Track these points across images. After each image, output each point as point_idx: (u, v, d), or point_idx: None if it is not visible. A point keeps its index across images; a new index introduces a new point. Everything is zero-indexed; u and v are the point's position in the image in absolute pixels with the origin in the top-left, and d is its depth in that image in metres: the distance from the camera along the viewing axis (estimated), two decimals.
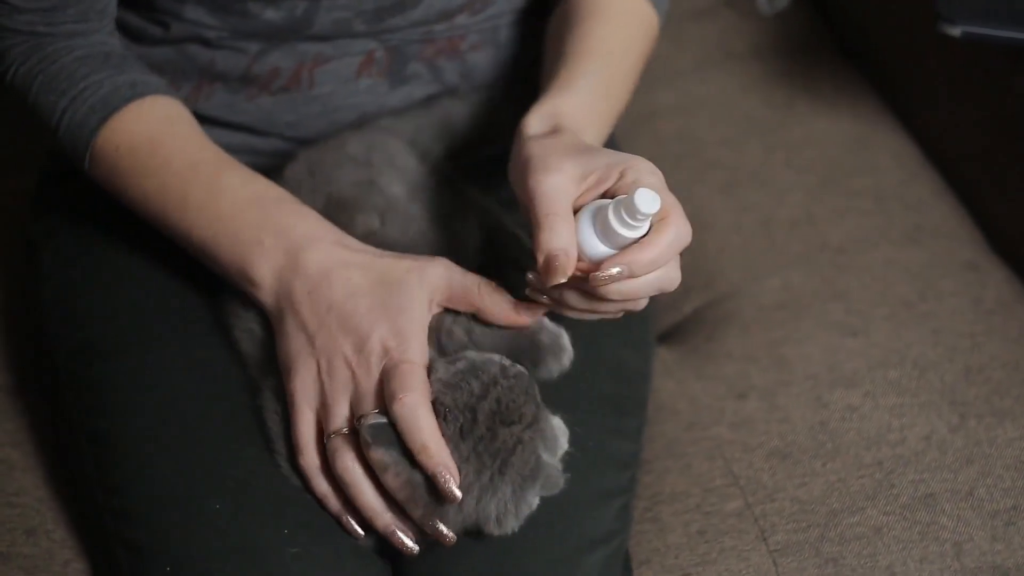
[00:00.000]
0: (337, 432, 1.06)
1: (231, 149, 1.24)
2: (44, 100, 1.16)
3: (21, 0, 1.14)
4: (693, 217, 1.46)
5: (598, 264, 1.01)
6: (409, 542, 1.06)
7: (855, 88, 1.61)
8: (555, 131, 1.10)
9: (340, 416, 1.07)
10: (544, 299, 1.06)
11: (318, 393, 1.08)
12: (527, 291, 1.07)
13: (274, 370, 1.12)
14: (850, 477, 1.25)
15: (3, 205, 1.48)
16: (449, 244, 1.17)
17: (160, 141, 1.16)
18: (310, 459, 1.08)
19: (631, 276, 1.00)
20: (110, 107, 1.15)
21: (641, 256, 1.00)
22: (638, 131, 1.57)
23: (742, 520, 1.23)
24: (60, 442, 1.26)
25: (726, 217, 1.48)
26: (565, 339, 1.10)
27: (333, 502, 1.08)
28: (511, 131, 1.13)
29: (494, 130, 1.28)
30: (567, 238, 1.01)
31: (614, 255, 1.00)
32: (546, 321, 1.10)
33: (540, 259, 1.01)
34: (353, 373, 1.06)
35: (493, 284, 1.08)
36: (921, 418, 1.28)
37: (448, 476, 1.01)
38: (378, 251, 1.11)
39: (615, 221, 0.99)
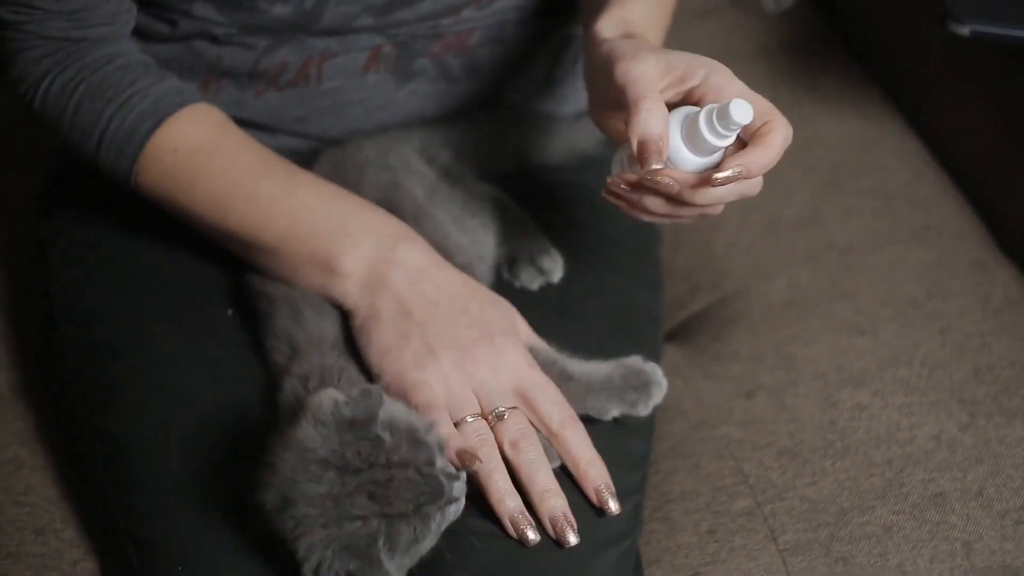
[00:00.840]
0: (474, 416, 1.08)
1: None
2: (87, 109, 1.15)
3: (51, 3, 1.13)
4: (700, 217, 1.48)
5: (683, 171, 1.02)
6: (531, 533, 1.06)
7: (862, 88, 1.60)
8: (627, 36, 1.11)
9: (470, 404, 1.09)
10: (622, 203, 1.07)
11: (437, 382, 1.09)
12: (603, 193, 1.08)
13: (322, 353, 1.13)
14: (860, 476, 1.24)
15: (10, 204, 1.48)
16: (471, 244, 1.17)
17: (220, 143, 1.16)
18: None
19: (747, 176, 1.01)
20: (162, 112, 1.15)
21: (759, 158, 1.01)
22: None
23: (752, 519, 1.23)
24: (69, 441, 1.26)
25: (733, 216, 1.47)
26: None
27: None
28: (518, 152, 1.15)
29: (501, 149, 1.29)
30: (662, 122, 1.01)
31: (733, 156, 1.01)
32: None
33: (634, 143, 1.01)
34: (477, 367, 1.09)
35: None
36: (930, 417, 1.28)
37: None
38: None
39: (706, 129, 1.00)
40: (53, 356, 1.27)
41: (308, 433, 1.01)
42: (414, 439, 1.02)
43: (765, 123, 1.03)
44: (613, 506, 1.09)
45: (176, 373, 1.16)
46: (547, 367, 1.12)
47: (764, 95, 1.58)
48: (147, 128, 1.15)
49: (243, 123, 1.24)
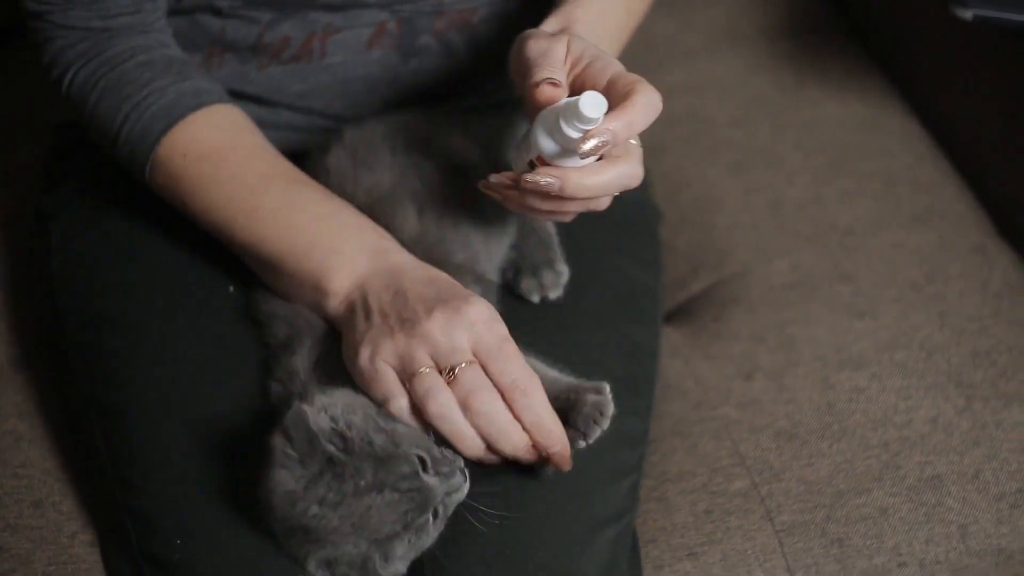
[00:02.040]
0: (428, 369, 1.05)
1: None
2: (107, 104, 1.16)
3: None
4: (702, 197, 1.49)
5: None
6: (495, 458, 1.06)
7: (865, 71, 1.60)
8: (563, 32, 1.13)
9: (422, 361, 1.05)
10: (500, 198, 1.08)
11: (391, 356, 1.06)
12: (481, 185, 1.09)
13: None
14: (856, 458, 1.25)
15: (12, 178, 1.48)
16: (481, 240, 1.17)
17: (228, 151, 1.16)
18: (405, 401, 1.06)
19: (615, 143, 1.02)
20: (175, 114, 1.15)
21: (619, 121, 1.02)
22: None
23: (748, 500, 1.23)
24: (68, 414, 1.26)
25: (735, 197, 1.48)
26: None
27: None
28: None
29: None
30: (559, 73, 1.04)
31: (600, 124, 1.01)
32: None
33: (533, 86, 1.04)
34: (428, 329, 1.06)
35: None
36: (928, 400, 1.28)
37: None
38: None
39: (564, 125, 1.01)
40: (53, 330, 1.27)
41: (281, 477, 1.01)
42: (381, 457, 1.01)
43: (628, 89, 1.03)
44: (564, 464, 1.05)
45: (177, 348, 1.17)
46: None
47: (768, 78, 1.61)
48: (159, 130, 1.15)
49: (245, 97, 1.24)
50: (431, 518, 1.02)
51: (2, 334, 1.36)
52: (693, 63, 1.63)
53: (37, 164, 1.38)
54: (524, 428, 1.05)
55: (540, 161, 1.04)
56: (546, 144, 1.03)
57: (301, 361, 1.11)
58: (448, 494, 1.03)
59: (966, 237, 1.43)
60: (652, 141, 1.51)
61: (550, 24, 1.15)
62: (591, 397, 1.07)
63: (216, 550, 1.07)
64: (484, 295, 1.10)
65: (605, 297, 1.23)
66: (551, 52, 1.07)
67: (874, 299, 1.37)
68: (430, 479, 1.02)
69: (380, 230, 1.14)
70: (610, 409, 1.07)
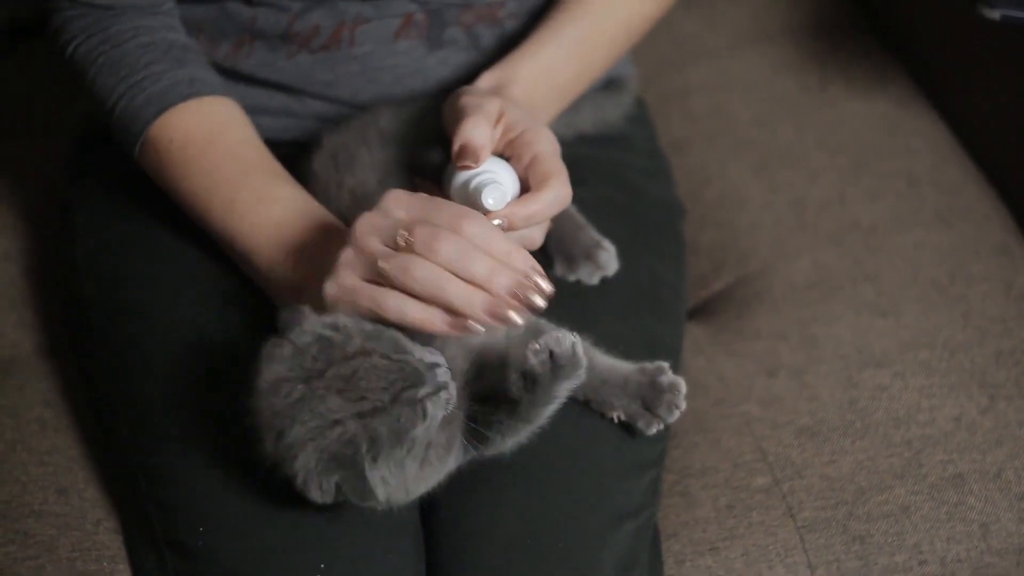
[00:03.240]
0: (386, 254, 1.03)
1: (268, 112, 1.25)
2: (103, 82, 1.17)
3: None
4: (725, 195, 1.49)
5: None
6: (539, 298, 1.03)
7: (889, 70, 1.60)
8: (499, 90, 1.18)
9: (378, 251, 1.03)
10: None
11: (350, 266, 1.04)
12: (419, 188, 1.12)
13: None
14: (879, 456, 1.25)
15: (38, 167, 1.48)
16: None
17: (213, 142, 1.17)
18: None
19: (511, 228, 1.08)
20: (167, 101, 1.16)
21: (521, 211, 1.08)
22: (670, 108, 1.57)
23: (770, 496, 1.23)
24: (93, 402, 1.27)
25: (758, 196, 1.48)
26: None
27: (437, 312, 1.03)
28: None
29: None
30: (485, 136, 1.09)
31: (501, 209, 1.07)
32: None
33: (456, 145, 1.09)
34: (372, 223, 1.04)
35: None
36: (951, 399, 1.28)
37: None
38: None
39: (475, 195, 1.08)
40: (78, 318, 1.28)
41: (270, 370, 1.01)
42: (371, 334, 1.00)
43: (542, 180, 1.08)
44: (536, 299, 1.02)
45: (200, 337, 1.17)
46: None
47: (791, 77, 1.61)
48: (150, 114, 1.16)
49: (273, 85, 1.25)
50: (425, 401, 0.99)
51: (28, 323, 1.36)
52: (717, 61, 1.63)
53: (63, 155, 1.39)
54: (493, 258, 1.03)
55: None
56: (458, 200, 1.10)
57: None
58: (435, 391, 1.00)
59: (989, 237, 1.43)
60: (676, 138, 1.53)
61: (486, 79, 1.20)
62: (664, 379, 1.11)
63: (238, 537, 1.07)
64: None
65: (628, 293, 1.24)
66: (484, 107, 1.11)
67: (897, 298, 1.36)
68: (415, 359, 1.00)
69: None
70: (683, 388, 1.11)
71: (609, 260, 1.22)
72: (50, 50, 1.21)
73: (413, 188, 1.14)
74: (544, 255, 1.23)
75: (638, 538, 1.12)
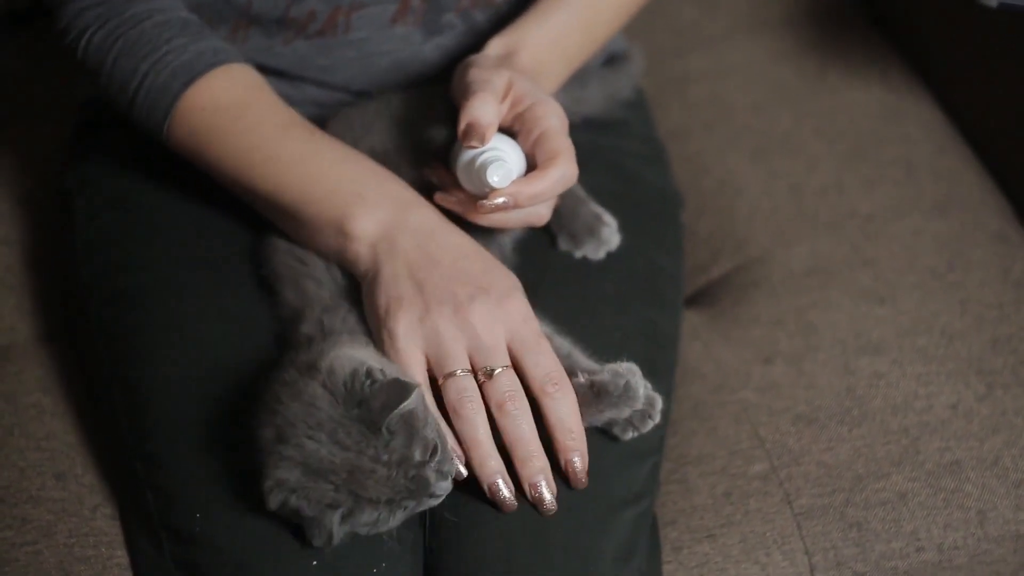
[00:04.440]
0: (464, 371, 1.07)
1: None
2: (124, 64, 1.17)
3: None
4: (723, 182, 1.49)
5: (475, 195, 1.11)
6: (508, 494, 1.06)
7: (887, 58, 1.60)
8: (507, 57, 1.18)
9: (460, 359, 1.07)
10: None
11: (425, 336, 1.08)
12: (436, 197, 1.15)
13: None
14: (876, 443, 1.25)
15: (37, 153, 1.48)
16: None
17: (248, 103, 1.17)
18: (430, 398, 1.08)
19: (516, 206, 1.10)
20: (195, 71, 1.16)
21: (527, 189, 1.10)
22: (669, 95, 1.57)
23: (767, 483, 1.23)
24: (91, 389, 1.27)
25: (756, 183, 1.48)
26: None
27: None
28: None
29: None
30: (492, 113, 1.10)
31: (507, 187, 1.09)
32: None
33: (463, 124, 1.10)
34: (470, 322, 1.08)
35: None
36: (948, 386, 1.28)
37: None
38: None
39: (479, 172, 1.10)
40: (76, 304, 1.28)
41: (317, 392, 1.02)
42: (413, 432, 1.01)
43: (550, 158, 1.10)
44: (580, 478, 1.08)
45: (199, 324, 1.17)
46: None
47: (790, 65, 1.60)
48: (179, 86, 1.16)
49: (269, 71, 1.24)
50: (409, 508, 1.03)
51: (26, 309, 1.36)
52: (716, 49, 1.63)
53: (62, 141, 1.39)
54: (548, 425, 1.07)
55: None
56: (463, 179, 1.13)
57: (309, 328, 1.12)
58: (432, 495, 1.03)
59: (987, 225, 1.43)
60: (674, 126, 1.53)
61: (495, 45, 1.20)
62: (643, 392, 1.11)
63: (236, 523, 1.07)
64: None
65: (626, 281, 1.24)
66: (492, 82, 1.12)
67: (894, 285, 1.37)
68: (430, 473, 1.02)
69: (402, 181, 1.15)
70: (659, 403, 1.12)
71: (611, 235, 1.23)
72: (59, 44, 1.19)
73: (425, 172, 1.16)
74: (546, 231, 1.23)
75: (638, 525, 1.12)
